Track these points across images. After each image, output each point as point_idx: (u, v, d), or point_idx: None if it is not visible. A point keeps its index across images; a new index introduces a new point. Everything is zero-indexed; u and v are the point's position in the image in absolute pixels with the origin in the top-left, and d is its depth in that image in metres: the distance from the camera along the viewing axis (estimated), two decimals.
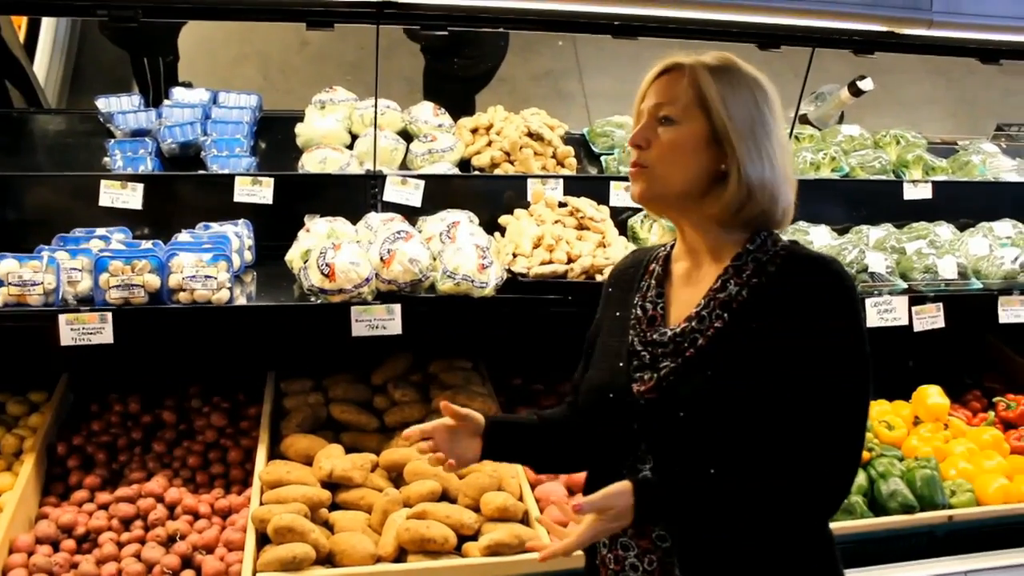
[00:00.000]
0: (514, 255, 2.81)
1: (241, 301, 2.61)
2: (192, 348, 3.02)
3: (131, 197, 2.92)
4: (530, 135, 3.33)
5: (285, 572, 2.25)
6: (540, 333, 3.09)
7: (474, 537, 2.42)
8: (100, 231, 2.79)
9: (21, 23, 5.23)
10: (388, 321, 2.57)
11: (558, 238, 2.84)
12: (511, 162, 3.29)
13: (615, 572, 1.67)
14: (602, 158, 3.49)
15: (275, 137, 3.42)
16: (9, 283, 2.41)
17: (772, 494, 1.52)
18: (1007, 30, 2.79)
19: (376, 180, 3.08)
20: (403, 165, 3.28)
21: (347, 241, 2.62)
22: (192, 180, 3.08)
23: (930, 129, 4.38)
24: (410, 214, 2.99)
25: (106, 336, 2.42)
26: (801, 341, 1.50)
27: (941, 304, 2.98)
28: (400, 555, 2.37)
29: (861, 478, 2.77)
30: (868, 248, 3.07)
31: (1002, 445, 3.05)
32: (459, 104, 3.94)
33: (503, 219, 3.10)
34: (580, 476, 2.06)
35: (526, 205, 3.13)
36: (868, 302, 2.86)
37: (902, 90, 6.79)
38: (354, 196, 3.06)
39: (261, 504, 2.44)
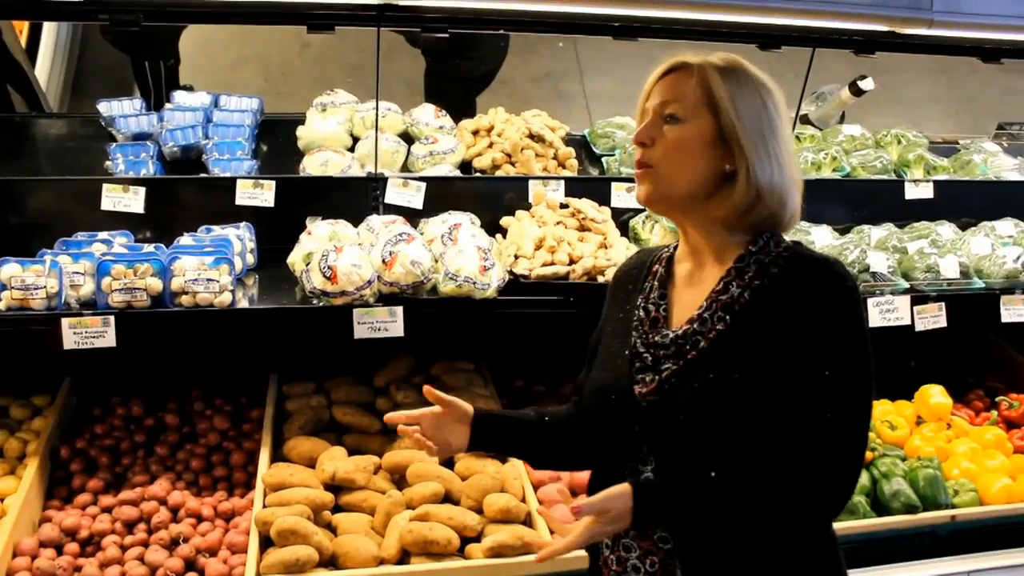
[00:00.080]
0: (516, 257, 2.82)
1: (243, 304, 2.61)
2: (194, 351, 3.02)
3: (133, 201, 2.93)
4: (531, 137, 3.34)
5: (288, 575, 2.25)
6: (542, 334, 3.09)
7: (477, 539, 2.43)
8: (102, 235, 2.79)
9: (23, 27, 5.23)
10: (390, 323, 2.57)
11: (560, 239, 2.85)
12: (512, 164, 3.29)
13: (617, 573, 1.67)
14: (603, 159, 3.49)
15: (276, 140, 3.43)
16: (12, 287, 2.41)
17: (775, 496, 1.52)
18: (1008, 29, 2.79)
19: (377, 182, 3.08)
20: (404, 167, 3.29)
21: (349, 244, 2.63)
22: (194, 183, 3.08)
23: (931, 128, 4.38)
24: (412, 216, 2.99)
25: (108, 339, 2.42)
26: (803, 343, 1.50)
27: (943, 304, 2.98)
28: (403, 557, 2.37)
29: (864, 478, 2.77)
30: (870, 248, 3.07)
31: (1005, 445, 3.05)
32: (460, 106, 3.94)
33: (504, 221, 3.10)
34: (583, 476, 2.06)
35: (527, 207, 3.14)
36: (870, 302, 2.86)
37: (903, 89, 6.79)
38: (356, 199, 3.06)
39: (264, 507, 2.44)
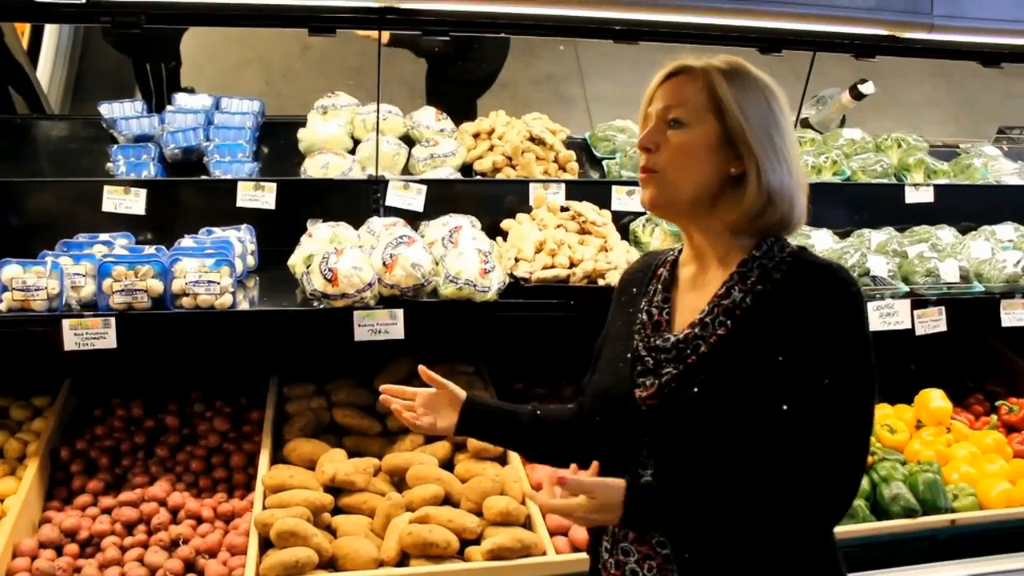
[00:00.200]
0: (516, 260, 2.82)
1: (244, 306, 2.62)
2: (195, 353, 3.02)
3: (134, 202, 2.93)
4: (532, 139, 3.34)
5: None
6: (542, 337, 3.09)
7: (476, 541, 2.43)
8: (103, 236, 2.80)
9: (24, 29, 5.25)
10: (391, 326, 2.57)
11: (560, 242, 2.85)
12: (513, 167, 3.30)
13: None
14: (604, 162, 3.50)
15: (277, 142, 3.43)
16: (13, 288, 2.41)
17: (775, 503, 1.50)
18: (1008, 33, 2.79)
19: (378, 185, 3.08)
20: (405, 170, 3.29)
21: (350, 246, 2.63)
22: (195, 185, 3.08)
23: (931, 132, 4.39)
24: (412, 219, 3.00)
25: (109, 341, 2.43)
26: (805, 348, 1.49)
27: (943, 308, 2.98)
28: (402, 559, 2.37)
29: (863, 482, 2.76)
30: (870, 252, 3.07)
31: (1005, 449, 3.05)
32: (461, 109, 3.95)
33: (505, 224, 3.10)
34: None
35: (528, 209, 3.14)
36: (870, 306, 2.86)
37: (903, 93, 6.80)
38: (356, 201, 3.07)
39: (264, 508, 2.45)
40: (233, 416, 2.93)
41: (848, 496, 1.52)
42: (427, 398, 1.86)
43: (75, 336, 2.41)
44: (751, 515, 1.51)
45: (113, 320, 2.43)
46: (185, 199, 3.05)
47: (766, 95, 1.57)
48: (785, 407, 1.49)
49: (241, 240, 2.81)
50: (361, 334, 2.56)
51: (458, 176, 3.27)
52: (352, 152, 3.27)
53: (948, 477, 2.87)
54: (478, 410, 1.85)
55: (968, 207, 3.56)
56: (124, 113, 3.33)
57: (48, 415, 2.85)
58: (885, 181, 3.57)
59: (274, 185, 2.99)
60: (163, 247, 2.71)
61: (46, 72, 5.58)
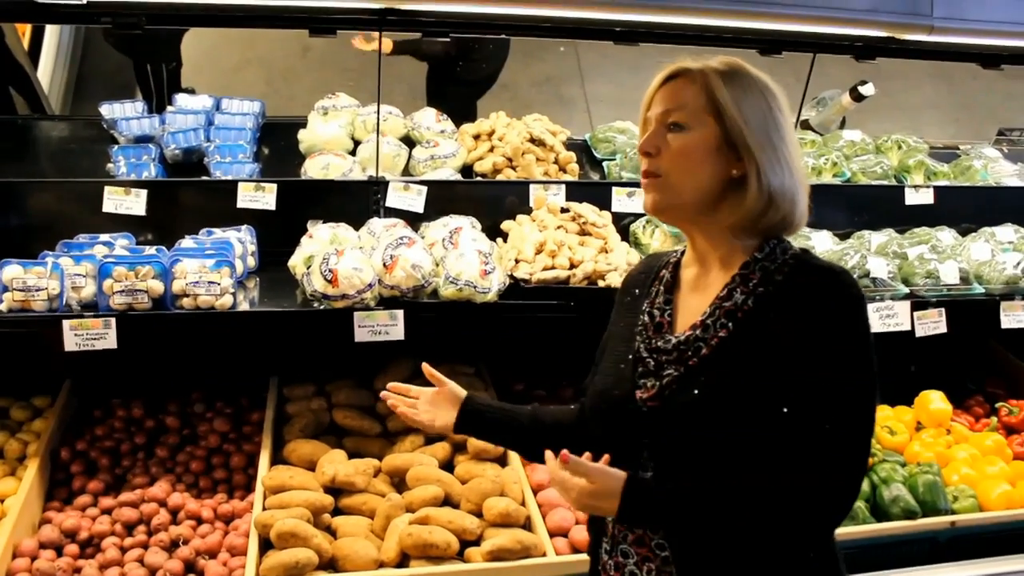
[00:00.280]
0: (516, 261, 2.82)
1: (244, 307, 2.62)
2: (195, 353, 3.02)
3: (135, 203, 2.94)
4: (532, 141, 3.34)
5: None
6: (542, 339, 3.09)
7: (476, 542, 2.43)
8: (104, 237, 2.80)
9: (25, 30, 5.25)
10: (391, 327, 2.58)
11: (560, 244, 2.85)
12: (513, 168, 3.30)
13: None
14: (604, 163, 3.50)
15: (278, 143, 3.43)
16: (13, 288, 2.42)
17: (774, 506, 1.50)
18: (1008, 35, 2.79)
19: (379, 186, 3.08)
20: (406, 171, 3.29)
21: (350, 247, 2.63)
22: (195, 186, 3.09)
23: (932, 134, 4.39)
24: (413, 220, 3.00)
25: (110, 341, 2.43)
26: (806, 351, 1.48)
27: (943, 309, 2.98)
28: (402, 560, 2.37)
29: (863, 484, 2.76)
30: (870, 253, 3.07)
31: (1005, 451, 3.05)
32: (461, 110, 3.95)
33: (505, 225, 3.10)
34: None
35: (528, 211, 3.14)
36: (870, 308, 2.85)
37: (904, 95, 6.80)
38: (357, 202, 3.07)
39: (264, 509, 2.45)
40: (233, 417, 2.93)
41: (849, 499, 1.51)
42: (428, 396, 1.92)
43: (75, 337, 2.41)
44: (751, 517, 1.51)
45: (113, 321, 2.43)
46: (186, 200, 3.05)
47: (765, 96, 1.57)
48: (786, 409, 1.48)
49: (241, 241, 2.81)
50: (361, 335, 2.57)
51: (458, 177, 3.27)
52: (352, 153, 3.27)
53: (948, 479, 2.87)
54: (477, 409, 1.89)
55: (968, 209, 3.57)
56: (125, 114, 3.33)
57: (48, 416, 2.86)
58: (885, 183, 3.57)
59: (274, 186, 2.99)
60: (163, 248, 2.71)
61: (47, 73, 5.59)
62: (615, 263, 2.80)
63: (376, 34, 2.94)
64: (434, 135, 3.36)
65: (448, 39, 2.81)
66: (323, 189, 3.09)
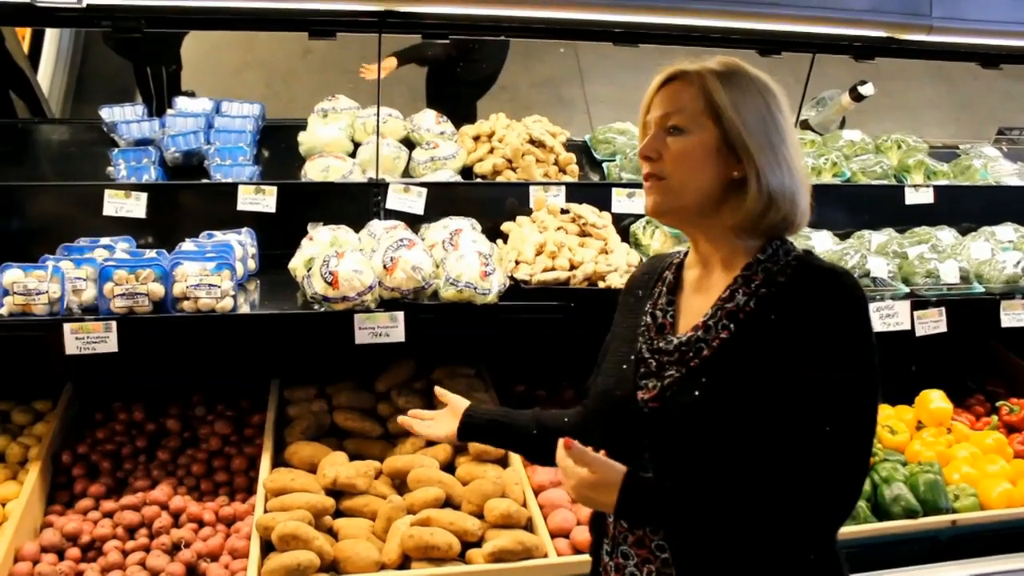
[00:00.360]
0: (516, 262, 2.82)
1: (245, 309, 2.62)
2: (196, 356, 3.03)
3: (135, 206, 2.94)
4: (532, 142, 3.34)
5: None
6: (543, 340, 3.09)
7: (478, 544, 2.43)
8: (104, 240, 2.80)
9: (25, 34, 5.26)
10: (391, 328, 2.58)
11: (560, 245, 2.85)
12: (513, 169, 3.30)
13: None
14: (604, 165, 3.50)
15: (278, 146, 3.44)
16: (14, 292, 2.42)
17: (777, 506, 1.49)
18: (1007, 35, 2.79)
19: (379, 188, 3.09)
20: (406, 173, 3.29)
21: (350, 249, 2.63)
22: (195, 189, 3.09)
23: (931, 133, 4.40)
24: (413, 222, 3.00)
25: (110, 345, 2.43)
26: (808, 353, 1.48)
27: (943, 309, 2.98)
28: (404, 562, 2.37)
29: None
30: (870, 253, 3.07)
31: (1005, 449, 3.05)
32: (461, 111, 3.96)
33: (505, 226, 3.10)
34: None
35: (528, 212, 3.14)
36: (870, 307, 2.86)
37: (903, 95, 6.81)
38: (357, 204, 3.07)
39: (265, 512, 2.45)
40: (234, 419, 2.94)
41: (851, 500, 1.51)
42: (436, 413, 2.03)
43: (76, 340, 2.41)
44: (751, 518, 1.50)
45: (114, 324, 2.43)
46: (186, 203, 3.05)
47: (764, 96, 1.56)
48: (787, 411, 1.48)
49: (242, 243, 2.82)
50: (362, 337, 2.57)
51: (458, 179, 3.27)
52: (352, 155, 3.28)
53: (949, 478, 2.87)
54: (476, 420, 1.95)
55: (968, 208, 3.57)
56: (125, 117, 3.33)
57: (50, 419, 2.86)
58: (885, 182, 3.57)
59: (275, 188, 3.00)
60: (164, 251, 2.72)
61: (47, 76, 5.59)
62: (615, 264, 2.80)
63: (380, 64, 2.95)
64: (434, 137, 3.37)
65: (447, 41, 2.80)
66: (323, 191, 3.09)
